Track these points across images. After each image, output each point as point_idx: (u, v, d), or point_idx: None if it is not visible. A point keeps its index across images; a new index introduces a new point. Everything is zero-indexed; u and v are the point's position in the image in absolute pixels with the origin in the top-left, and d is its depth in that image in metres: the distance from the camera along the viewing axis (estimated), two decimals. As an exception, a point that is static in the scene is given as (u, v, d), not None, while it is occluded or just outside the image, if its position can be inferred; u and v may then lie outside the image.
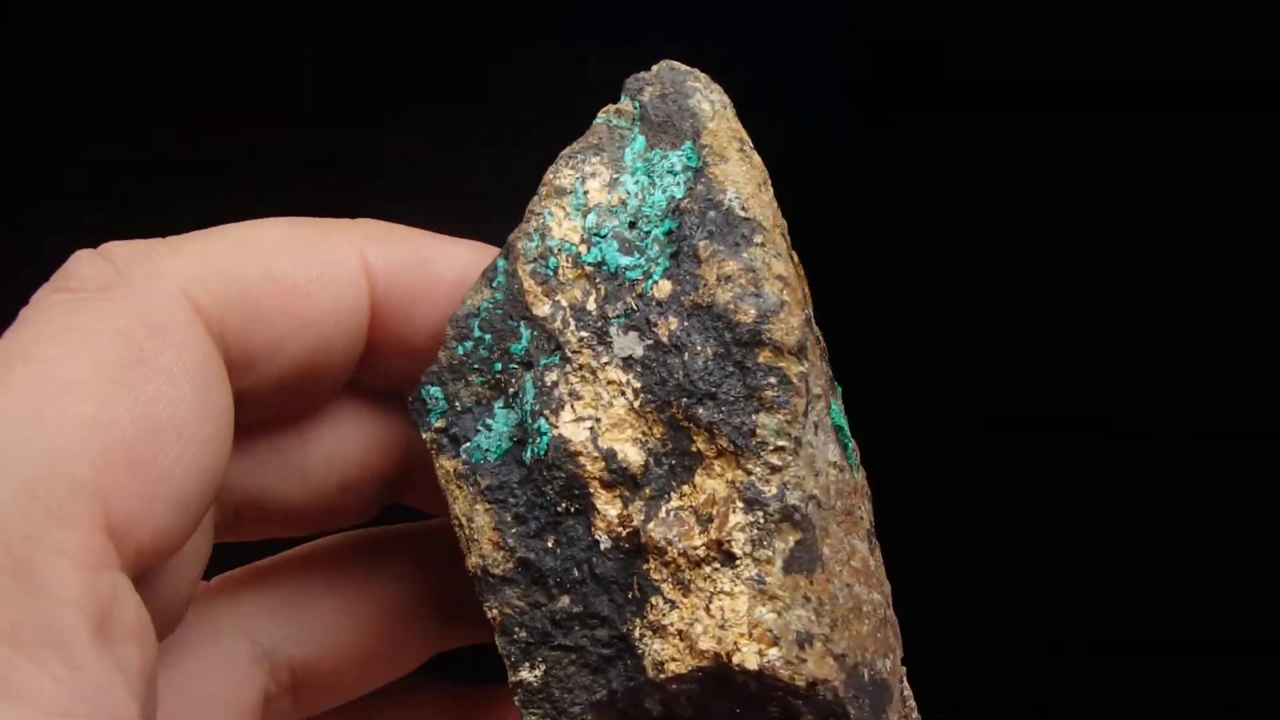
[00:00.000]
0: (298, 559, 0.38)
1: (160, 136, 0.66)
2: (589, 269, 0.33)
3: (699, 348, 0.32)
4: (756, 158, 0.34)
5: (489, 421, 0.34)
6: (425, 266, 0.34)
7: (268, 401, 0.34)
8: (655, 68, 0.35)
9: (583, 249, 0.33)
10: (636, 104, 0.34)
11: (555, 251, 0.34)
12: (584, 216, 0.34)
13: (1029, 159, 0.66)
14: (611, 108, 0.35)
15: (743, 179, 0.33)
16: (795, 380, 0.32)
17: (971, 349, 0.68)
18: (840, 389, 0.36)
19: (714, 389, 0.32)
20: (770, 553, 0.32)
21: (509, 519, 0.33)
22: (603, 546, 0.33)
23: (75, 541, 0.28)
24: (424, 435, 0.34)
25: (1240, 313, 0.66)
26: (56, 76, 0.66)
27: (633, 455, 0.33)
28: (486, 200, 0.64)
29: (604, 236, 0.33)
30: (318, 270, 0.33)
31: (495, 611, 0.34)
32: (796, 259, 0.34)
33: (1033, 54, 0.65)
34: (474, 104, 0.67)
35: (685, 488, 0.33)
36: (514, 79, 0.66)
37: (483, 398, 0.34)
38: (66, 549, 0.28)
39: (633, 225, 0.34)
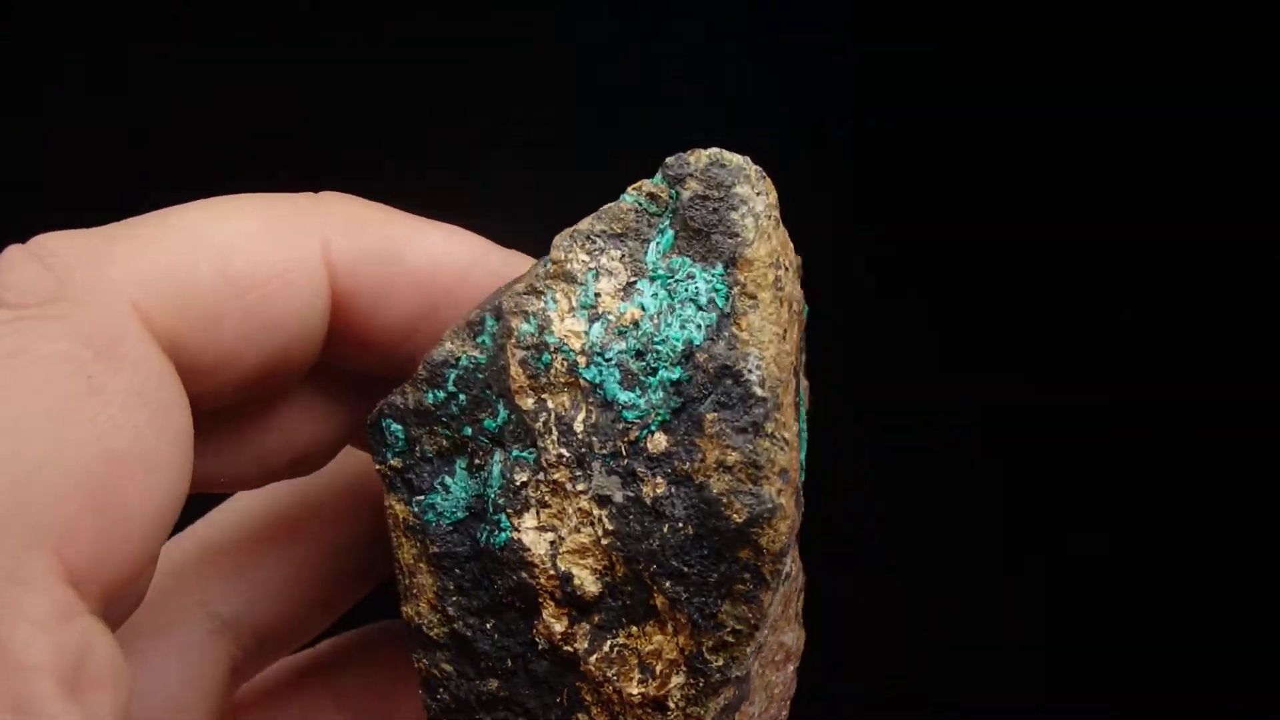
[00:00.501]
0: (239, 522, 0.37)
1: (160, 136, 0.66)
2: (584, 384, 0.31)
3: (680, 524, 0.31)
4: (791, 288, 0.32)
5: (447, 481, 0.32)
6: (392, 257, 0.32)
7: (223, 401, 0.32)
8: (705, 156, 0.31)
9: (582, 361, 0.31)
10: (673, 194, 0.31)
11: (552, 350, 0.31)
12: (590, 323, 0.31)
13: (1029, 159, 0.66)
14: (645, 186, 0.32)
15: (768, 337, 0.31)
16: (769, 578, 0.31)
17: (971, 349, 0.67)
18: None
19: (686, 568, 0.31)
20: (702, 711, 0.32)
21: (451, 587, 0.32)
22: (540, 648, 0.32)
23: (36, 600, 0.27)
24: (377, 465, 0.33)
25: (1240, 313, 0.66)
26: (56, 76, 0.66)
27: (589, 585, 0.32)
28: (486, 201, 0.64)
29: (608, 360, 0.31)
30: (278, 268, 0.31)
31: (422, 666, 0.33)
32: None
33: (1033, 54, 0.65)
34: (474, 104, 0.66)
35: (634, 629, 0.32)
36: (514, 79, 0.66)
37: (445, 451, 0.32)
38: (28, 611, 0.26)
39: (640, 355, 0.31)
